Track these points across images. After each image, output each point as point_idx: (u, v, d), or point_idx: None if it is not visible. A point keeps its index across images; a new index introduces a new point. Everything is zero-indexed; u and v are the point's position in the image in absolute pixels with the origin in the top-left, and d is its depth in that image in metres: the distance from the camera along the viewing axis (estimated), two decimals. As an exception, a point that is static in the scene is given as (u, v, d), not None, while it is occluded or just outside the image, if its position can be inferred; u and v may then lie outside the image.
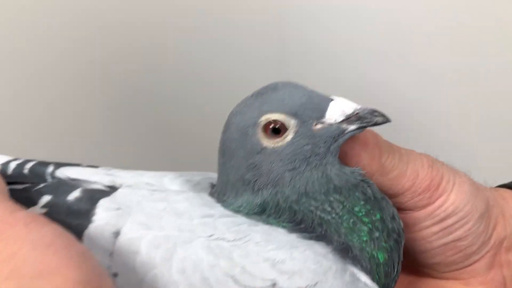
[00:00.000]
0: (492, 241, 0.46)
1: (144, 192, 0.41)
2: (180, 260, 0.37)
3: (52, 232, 0.32)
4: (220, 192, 0.42)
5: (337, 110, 0.40)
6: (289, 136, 0.40)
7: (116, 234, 0.38)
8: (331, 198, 0.40)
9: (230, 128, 0.41)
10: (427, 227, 0.45)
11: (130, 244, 0.38)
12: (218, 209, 0.41)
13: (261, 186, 0.41)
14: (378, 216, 0.40)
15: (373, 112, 0.39)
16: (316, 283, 0.37)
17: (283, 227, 0.40)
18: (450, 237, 0.45)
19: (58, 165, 0.44)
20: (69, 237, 0.33)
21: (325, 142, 0.40)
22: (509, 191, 0.49)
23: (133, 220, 0.39)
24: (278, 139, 0.40)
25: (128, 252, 0.38)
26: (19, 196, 0.39)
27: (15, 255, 0.30)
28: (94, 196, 0.40)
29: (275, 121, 0.40)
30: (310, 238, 0.39)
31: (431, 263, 0.46)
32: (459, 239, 0.45)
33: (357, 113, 0.39)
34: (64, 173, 0.43)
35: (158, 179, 0.44)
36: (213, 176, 0.45)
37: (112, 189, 0.42)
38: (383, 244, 0.40)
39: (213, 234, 0.38)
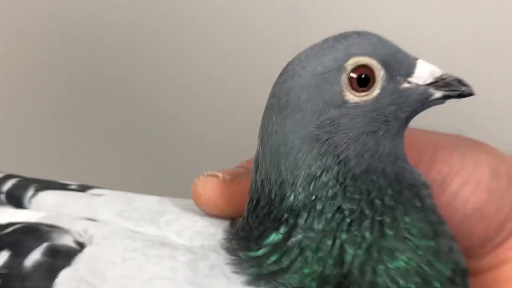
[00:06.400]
0: None
1: (121, 253, 0.35)
2: None
3: None
4: (250, 209, 0.36)
5: (426, 70, 0.36)
6: (376, 90, 0.35)
7: None
8: (397, 188, 0.36)
9: (300, 75, 0.35)
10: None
11: None
12: None
13: (333, 148, 0.35)
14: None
15: (460, 81, 0.36)
16: None
17: None
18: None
19: (40, 186, 0.41)
20: None
21: (409, 105, 0.36)
22: None
23: None
24: (363, 93, 0.35)
25: None
26: None
27: None
28: (54, 264, 0.35)
29: (364, 67, 0.35)
30: None
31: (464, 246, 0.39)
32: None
33: (444, 78, 0.36)
34: (43, 200, 0.40)
35: (156, 221, 0.37)
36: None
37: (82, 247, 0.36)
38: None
39: None
